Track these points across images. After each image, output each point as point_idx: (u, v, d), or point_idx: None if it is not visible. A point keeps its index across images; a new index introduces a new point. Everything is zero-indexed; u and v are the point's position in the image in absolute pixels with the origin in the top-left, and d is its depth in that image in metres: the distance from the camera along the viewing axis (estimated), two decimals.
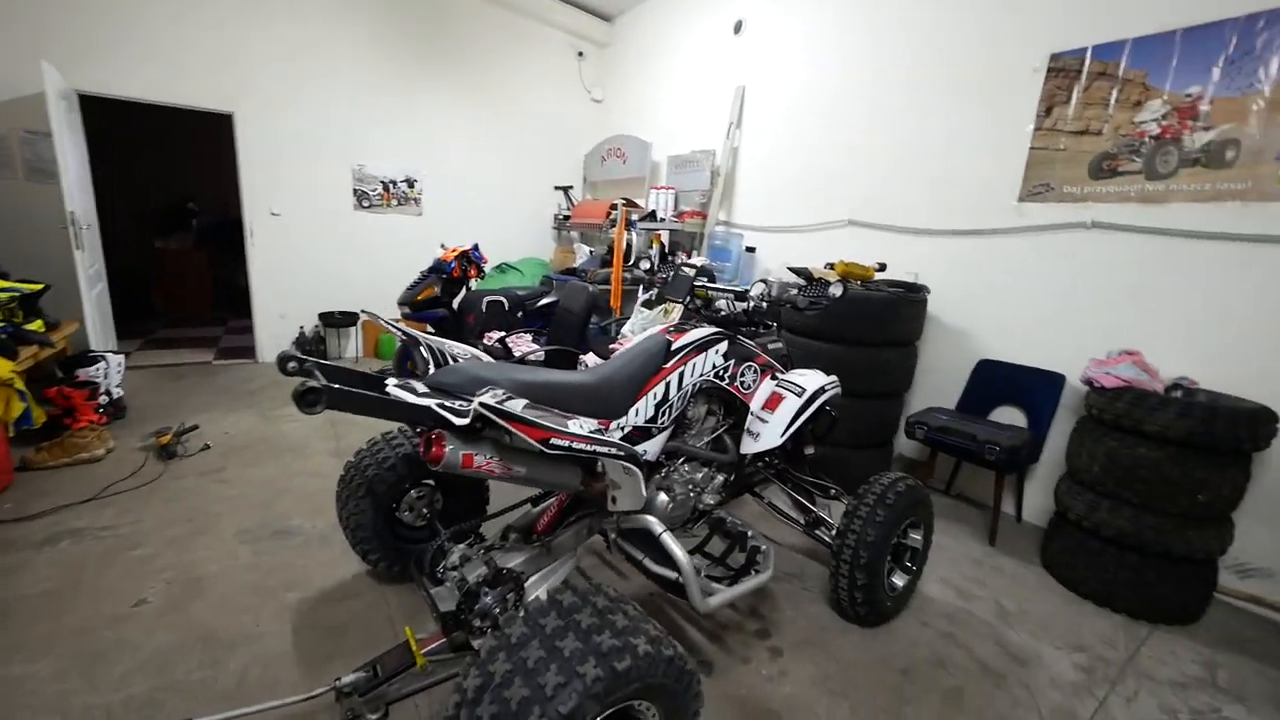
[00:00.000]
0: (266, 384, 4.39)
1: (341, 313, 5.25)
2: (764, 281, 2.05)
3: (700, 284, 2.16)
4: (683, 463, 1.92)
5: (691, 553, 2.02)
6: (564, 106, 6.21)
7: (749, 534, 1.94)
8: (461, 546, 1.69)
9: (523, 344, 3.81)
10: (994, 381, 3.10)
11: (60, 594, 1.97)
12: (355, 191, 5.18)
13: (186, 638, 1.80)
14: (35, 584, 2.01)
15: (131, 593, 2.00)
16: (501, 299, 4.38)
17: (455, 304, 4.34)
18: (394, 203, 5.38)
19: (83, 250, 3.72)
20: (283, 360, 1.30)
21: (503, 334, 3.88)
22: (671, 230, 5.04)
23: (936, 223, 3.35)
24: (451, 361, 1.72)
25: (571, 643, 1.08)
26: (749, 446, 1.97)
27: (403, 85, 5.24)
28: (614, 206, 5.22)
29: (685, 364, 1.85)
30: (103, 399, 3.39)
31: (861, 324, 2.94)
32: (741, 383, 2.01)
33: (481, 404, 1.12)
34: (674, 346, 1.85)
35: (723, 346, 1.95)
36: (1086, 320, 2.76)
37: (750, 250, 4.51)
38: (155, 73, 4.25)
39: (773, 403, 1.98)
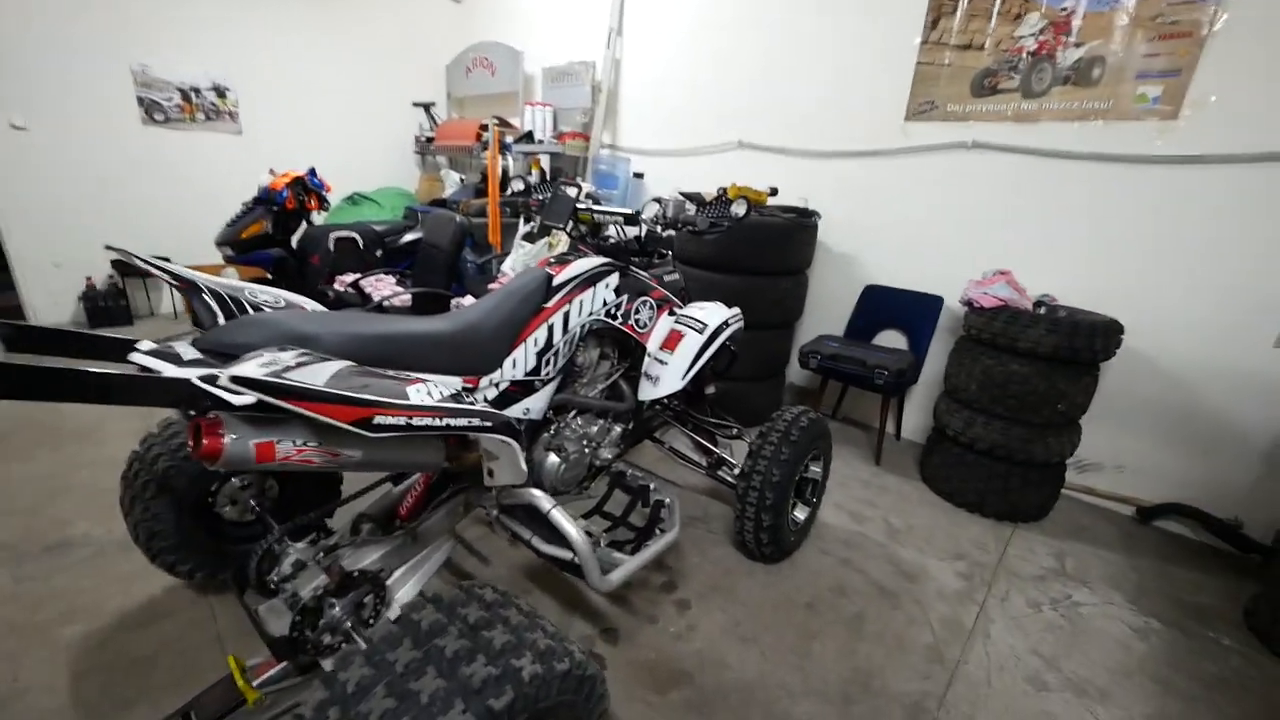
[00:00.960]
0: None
1: (157, 256, 4.21)
2: (657, 201, 1.78)
3: (584, 206, 1.84)
4: (574, 416, 1.67)
5: (589, 514, 1.83)
6: (418, 11, 5.25)
7: (651, 487, 1.76)
8: (301, 545, 1.34)
9: (383, 287, 3.26)
10: (879, 307, 3.15)
11: None
12: (141, 100, 4.04)
13: None
14: None
15: None
16: (354, 235, 3.71)
17: (294, 242, 3.63)
18: (200, 116, 4.30)
19: None
20: None
21: (357, 276, 3.29)
22: (552, 154, 4.54)
23: (826, 144, 3.24)
24: (250, 312, 1.29)
25: (432, 682, 0.81)
26: (648, 392, 1.77)
27: None
28: (484, 127, 4.59)
29: (570, 302, 1.56)
30: None
31: (756, 251, 2.80)
32: (636, 321, 1.77)
33: (234, 377, 0.76)
34: (555, 282, 1.54)
35: (613, 279, 1.68)
36: (965, 242, 2.83)
37: (638, 176, 4.18)
38: None
39: (671, 341, 1.77)
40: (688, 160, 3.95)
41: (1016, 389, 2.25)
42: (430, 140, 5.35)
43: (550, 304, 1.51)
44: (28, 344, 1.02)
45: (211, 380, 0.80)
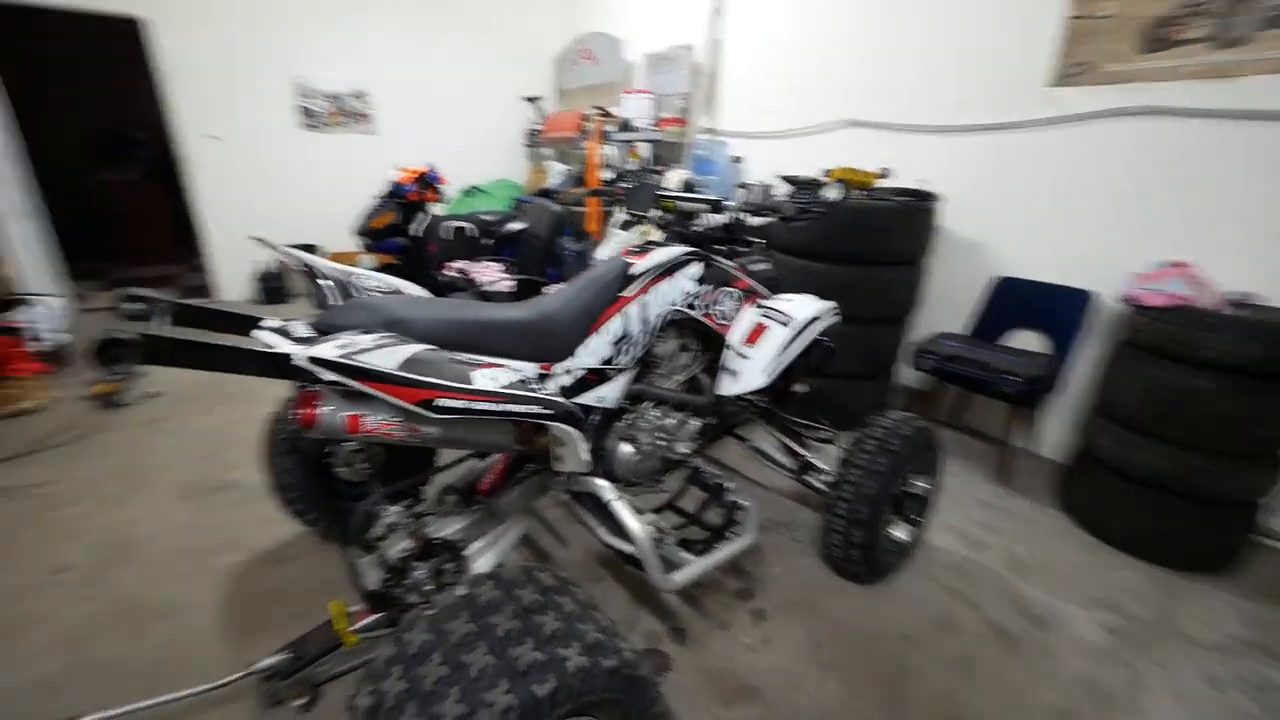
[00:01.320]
0: None
1: (303, 245, 4.85)
2: (744, 187, 1.68)
3: (668, 194, 1.79)
4: (651, 407, 1.64)
5: (661, 509, 1.80)
6: (527, 7, 5.45)
7: (727, 486, 1.69)
8: (396, 509, 1.45)
9: (488, 273, 3.46)
10: (1012, 302, 2.76)
11: None
12: (301, 109, 4.63)
13: (107, 609, 1.62)
14: None
15: (56, 559, 1.81)
16: (466, 225, 3.98)
17: (417, 232, 3.96)
18: (344, 120, 4.84)
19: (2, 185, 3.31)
20: (122, 298, 1.00)
21: (465, 263, 3.51)
22: (651, 141, 4.51)
23: (949, 119, 2.88)
24: (358, 295, 1.41)
25: (482, 657, 0.83)
26: (727, 387, 1.68)
27: None
28: (585, 117, 4.68)
29: (648, 291, 1.53)
30: (38, 347, 3.11)
31: (860, 239, 2.57)
32: (718, 312, 1.69)
33: (313, 357, 0.82)
34: (633, 271, 1.52)
35: (695, 269, 1.62)
36: (1125, 228, 2.38)
37: (737, 160, 4.03)
38: None
39: (755, 335, 1.67)
40: (791, 142, 3.73)
41: (1194, 408, 1.85)
42: (538, 133, 5.57)
43: (627, 293, 1.49)
44: (193, 321, 1.20)
45: (295, 358, 0.88)
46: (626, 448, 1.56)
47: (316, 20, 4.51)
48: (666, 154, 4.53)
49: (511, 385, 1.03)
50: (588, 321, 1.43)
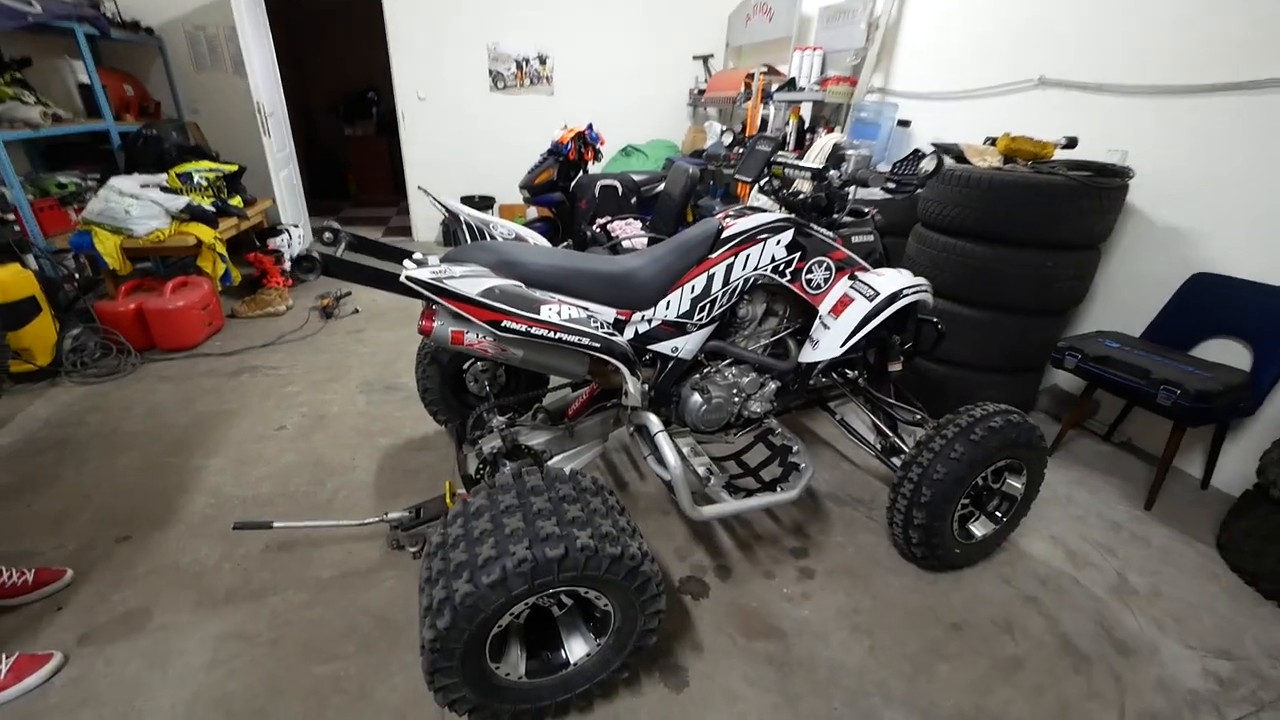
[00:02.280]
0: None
1: (481, 196, 5.56)
2: (842, 155, 1.65)
3: (779, 161, 1.82)
4: (729, 365, 1.75)
5: (727, 458, 1.92)
6: None
7: (794, 449, 1.75)
8: (500, 419, 1.78)
9: (627, 230, 3.71)
10: (1210, 304, 2.28)
11: (234, 413, 2.52)
12: (491, 73, 5.23)
13: (305, 460, 2.22)
14: (221, 404, 2.59)
15: (278, 419, 2.48)
16: (616, 184, 4.24)
17: (570, 187, 4.33)
18: (527, 82, 5.34)
19: (270, 136, 4.32)
20: (319, 232, 1.38)
21: (607, 220, 3.79)
22: (815, 101, 4.32)
23: (1164, 77, 2.38)
24: (488, 239, 1.70)
25: (514, 522, 1.08)
26: (807, 355, 1.72)
27: None
28: (750, 76, 4.60)
29: (736, 255, 1.61)
30: (286, 265, 4.08)
31: (1013, 218, 2.30)
32: (809, 281, 1.71)
33: (409, 277, 1.08)
34: (725, 234, 1.61)
35: (785, 236, 1.65)
36: None
37: (904, 124, 3.71)
38: None
39: (841, 306, 1.67)
40: (972, 103, 3.34)
41: None
42: (702, 93, 5.59)
43: (715, 254, 1.59)
44: (366, 250, 1.58)
45: (419, 281, 1.16)
46: (696, 397, 1.69)
47: None
48: (830, 116, 4.32)
49: (574, 320, 1.23)
50: (670, 279, 1.57)
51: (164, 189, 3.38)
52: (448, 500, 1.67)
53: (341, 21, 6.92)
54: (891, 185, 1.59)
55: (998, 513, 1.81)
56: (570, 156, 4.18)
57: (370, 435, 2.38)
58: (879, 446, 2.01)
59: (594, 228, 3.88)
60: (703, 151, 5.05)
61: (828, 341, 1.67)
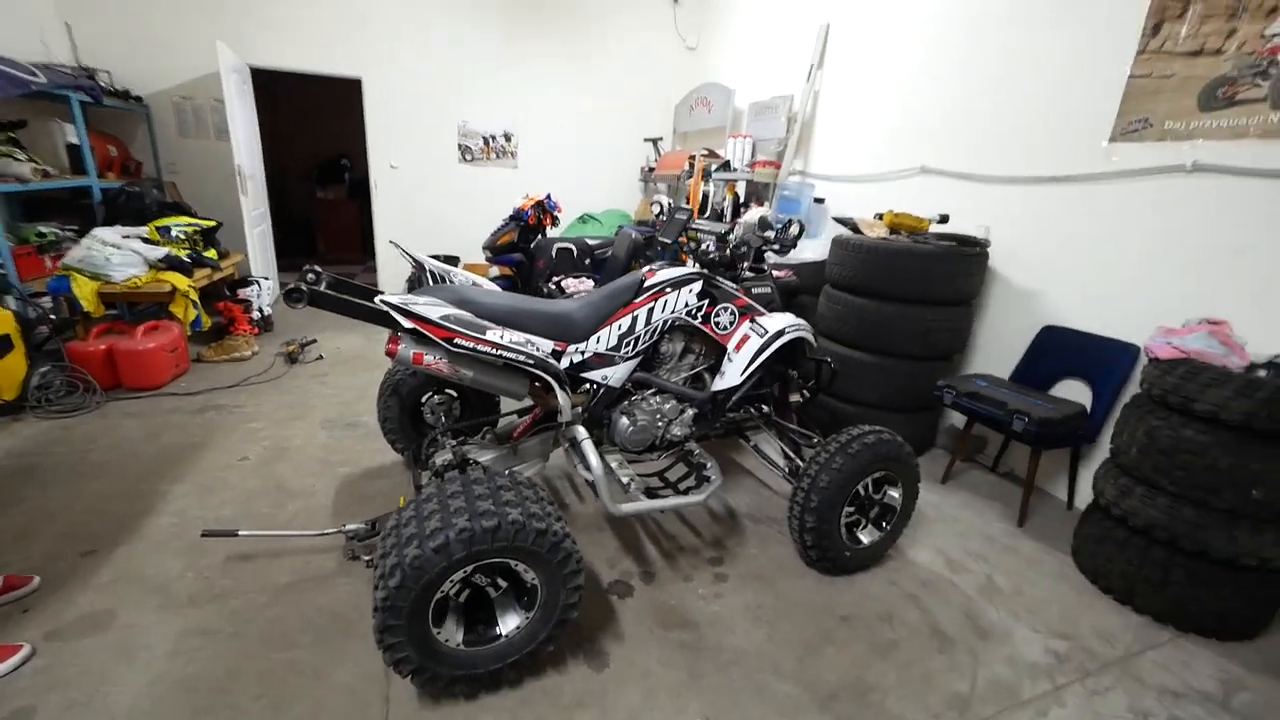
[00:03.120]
0: None
1: (447, 256, 5.90)
2: (740, 224, 2.05)
3: (693, 226, 2.22)
4: (652, 394, 2.05)
5: (652, 475, 2.19)
6: (657, 57, 6.19)
7: (707, 465, 2.04)
8: (452, 441, 2.02)
9: (578, 286, 4.08)
10: (1058, 351, 2.76)
11: (200, 446, 2.65)
12: (460, 146, 5.73)
13: (267, 485, 2.37)
14: (187, 437, 2.73)
15: (241, 451, 2.63)
16: (571, 246, 4.67)
17: (530, 248, 4.72)
18: (493, 156, 5.86)
19: (247, 196, 4.62)
20: (303, 272, 1.66)
21: (560, 278, 4.17)
22: (746, 180, 4.92)
23: (1014, 169, 2.97)
24: (448, 282, 2.00)
25: (458, 503, 1.32)
26: (717, 384, 2.05)
27: (503, 43, 5.61)
28: (693, 158, 5.21)
29: (655, 300, 1.96)
30: (255, 314, 4.27)
31: (898, 279, 2.77)
32: (716, 323, 2.07)
33: (383, 300, 1.37)
34: (646, 284, 1.96)
35: (696, 286, 2.02)
36: (1175, 284, 2.34)
37: (819, 201, 4.30)
38: (304, 46, 5.03)
39: (741, 344, 2.02)
40: (871, 186, 3.94)
41: (1186, 458, 1.85)
42: (652, 170, 6.22)
43: (638, 300, 1.94)
44: (342, 290, 1.86)
45: (394, 308, 1.45)
46: (624, 420, 1.98)
47: (478, 73, 5.59)
48: (760, 193, 4.92)
49: (514, 342, 1.53)
50: (600, 318, 1.89)
51: (144, 240, 3.59)
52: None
53: (320, 95, 7.43)
54: (775, 246, 1.99)
55: (882, 522, 2.11)
56: (530, 222, 4.60)
57: (330, 465, 2.55)
58: (786, 469, 2.32)
59: (550, 285, 4.24)
60: (647, 221, 5.60)
61: (731, 372, 2.01)
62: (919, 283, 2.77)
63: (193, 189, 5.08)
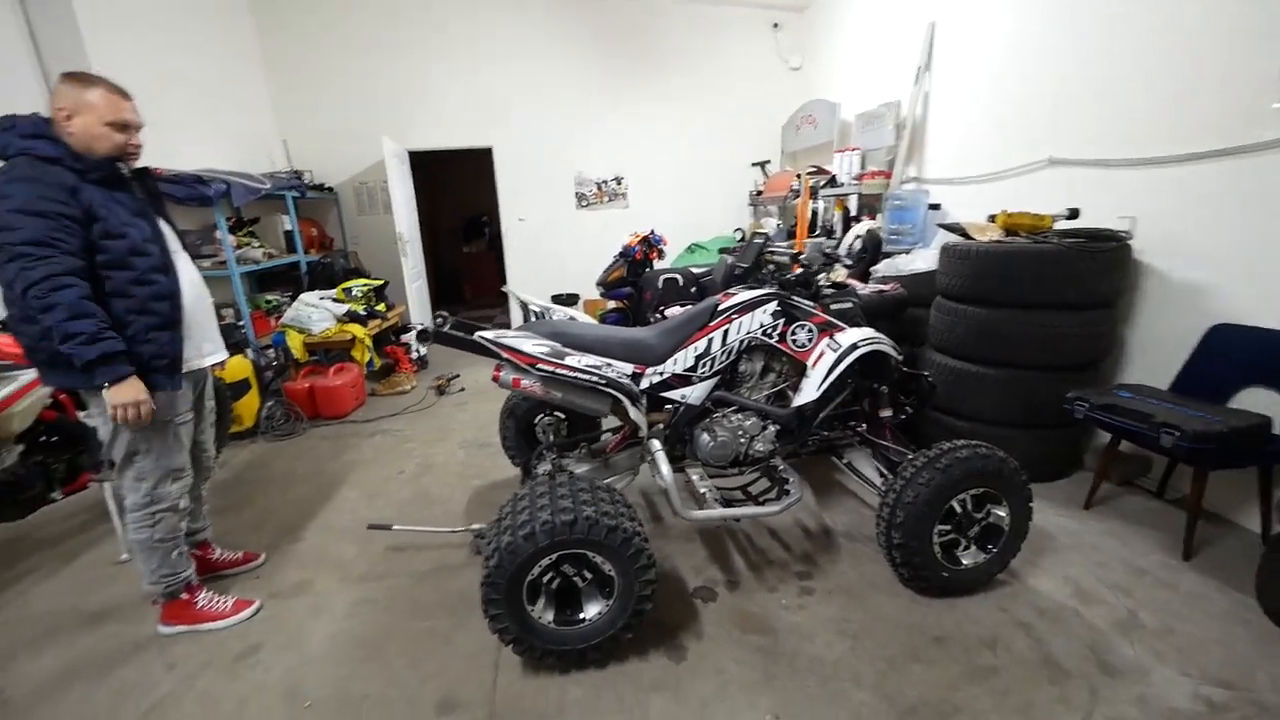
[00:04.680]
0: None
1: (568, 294, 6.49)
2: (806, 243, 2.11)
3: (769, 249, 2.32)
4: (733, 411, 2.16)
5: (735, 489, 2.28)
6: (761, 82, 6.35)
7: (790, 480, 2.09)
8: (553, 454, 2.30)
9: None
10: (1234, 354, 2.35)
11: (369, 462, 3.27)
12: (576, 194, 6.34)
13: (416, 494, 2.86)
14: (360, 455, 3.37)
15: (399, 466, 3.19)
16: (677, 276, 4.91)
17: (639, 282, 5.05)
18: (606, 199, 6.39)
19: (406, 257, 5.55)
20: (435, 317, 2.07)
21: (664, 307, 4.40)
22: (857, 193, 4.82)
23: (1161, 148, 2.62)
24: (548, 318, 2.32)
25: (542, 501, 1.57)
26: (796, 400, 2.10)
27: (612, 96, 6.16)
28: (798, 176, 5.24)
29: (730, 323, 2.09)
30: (414, 355, 5.09)
31: (1015, 284, 2.58)
32: (794, 341, 2.13)
33: (480, 336, 1.68)
34: (720, 307, 2.11)
35: (771, 306, 2.11)
36: None
37: (935, 207, 4.08)
38: (447, 127, 5.99)
39: (819, 360, 2.06)
40: (994, 185, 3.68)
41: None
42: (760, 193, 6.31)
43: (712, 323, 2.08)
44: (461, 329, 2.26)
45: (491, 342, 1.77)
46: (705, 437, 2.11)
47: (589, 126, 6.19)
48: (873, 205, 4.80)
49: (590, 367, 1.77)
50: (676, 342, 2.07)
51: (334, 300, 4.52)
52: None
53: (464, 164, 8.66)
54: (849, 262, 2.02)
55: (987, 543, 1.97)
56: (638, 257, 4.94)
57: (465, 478, 3.00)
58: (881, 486, 2.26)
59: (656, 314, 4.50)
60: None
61: (808, 387, 2.05)
62: (1040, 286, 2.55)
63: (369, 255, 6.21)
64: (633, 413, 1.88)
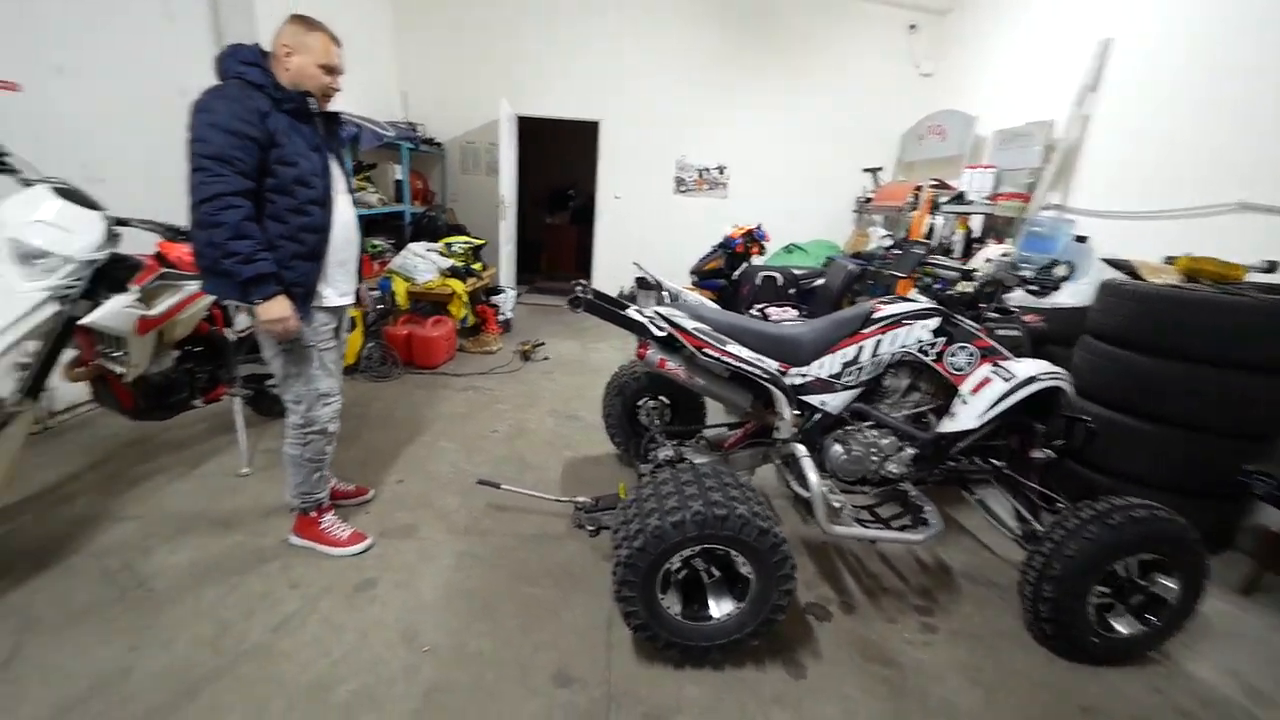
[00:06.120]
0: (591, 325, 5.78)
1: (652, 278, 6.42)
2: (990, 261, 1.94)
3: (930, 262, 2.15)
4: (870, 426, 2.03)
5: (863, 507, 2.14)
6: (885, 85, 6.03)
7: (925, 508, 1.94)
8: (668, 442, 2.23)
9: (782, 315, 4.13)
10: None
11: (464, 416, 3.31)
12: (676, 178, 6.23)
13: (511, 455, 2.86)
14: (454, 408, 3.42)
15: (492, 425, 3.21)
16: (777, 275, 4.74)
17: (735, 276, 4.91)
18: (705, 187, 6.25)
19: (504, 220, 5.61)
20: (573, 284, 2.02)
21: (765, 305, 4.26)
22: (984, 214, 4.50)
23: None
24: (680, 301, 2.24)
25: (691, 490, 1.49)
26: (945, 425, 1.94)
27: (728, 81, 6.00)
28: (919, 188, 4.95)
29: (884, 333, 1.95)
30: (501, 317, 5.14)
31: (1193, 335, 2.31)
32: (951, 362, 1.97)
33: (657, 312, 1.60)
34: (875, 315, 1.97)
35: (931, 323, 1.95)
36: None
37: (1080, 240, 3.74)
38: (560, 96, 5.98)
39: (979, 386, 1.89)
40: (1157, 223, 3.33)
41: None
42: (869, 200, 6.03)
43: (865, 330, 1.95)
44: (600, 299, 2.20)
45: (652, 322, 1.70)
46: (838, 448, 1.99)
47: (701, 106, 6.06)
48: (1001, 228, 4.48)
49: (745, 357, 1.67)
50: (824, 345, 1.95)
51: (439, 253, 4.60)
52: (621, 495, 2.12)
53: (557, 137, 8.67)
54: (1034, 287, 1.84)
55: (1146, 614, 1.77)
56: (738, 250, 4.80)
57: (557, 448, 2.98)
58: (1018, 531, 2.08)
59: (752, 311, 4.36)
60: (868, 254, 5.42)
61: (965, 415, 1.88)
62: (1223, 341, 2.27)
63: (464, 213, 6.31)
64: (787, 413, 1.78)
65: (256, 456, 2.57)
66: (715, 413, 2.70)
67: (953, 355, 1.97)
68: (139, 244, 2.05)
